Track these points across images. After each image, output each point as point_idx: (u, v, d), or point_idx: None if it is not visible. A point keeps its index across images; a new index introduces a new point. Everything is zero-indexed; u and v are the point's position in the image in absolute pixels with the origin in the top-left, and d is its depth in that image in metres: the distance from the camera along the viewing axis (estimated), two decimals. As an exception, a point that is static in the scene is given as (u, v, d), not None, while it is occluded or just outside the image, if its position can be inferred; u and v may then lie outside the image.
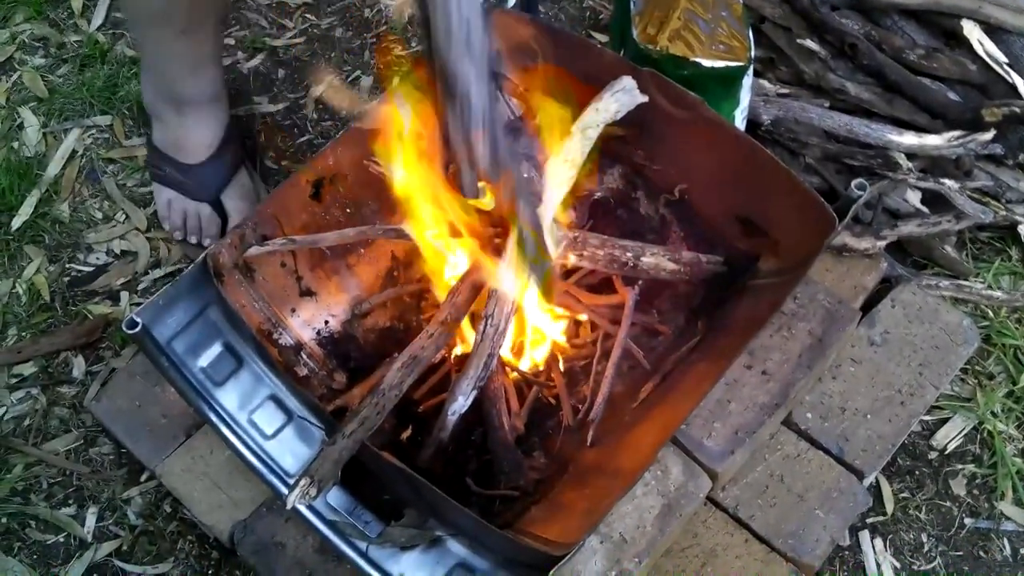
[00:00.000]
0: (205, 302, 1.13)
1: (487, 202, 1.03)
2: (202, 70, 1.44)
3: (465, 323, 1.16)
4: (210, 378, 1.14)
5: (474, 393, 1.07)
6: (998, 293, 1.42)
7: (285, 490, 1.10)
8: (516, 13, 1.27)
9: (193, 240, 1.52)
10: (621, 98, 1.08)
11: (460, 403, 1.07)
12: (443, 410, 1.08)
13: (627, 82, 1.11)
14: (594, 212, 1.31)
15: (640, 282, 1.21)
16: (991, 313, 1.43)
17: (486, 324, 1.06)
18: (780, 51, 1.53)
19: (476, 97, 0.87)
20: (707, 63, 1.28)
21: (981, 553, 1.29)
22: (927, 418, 1.36)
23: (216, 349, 1.14)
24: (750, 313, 1.16)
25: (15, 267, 1.54)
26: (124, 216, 1.59)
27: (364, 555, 1.09)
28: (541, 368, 1.23)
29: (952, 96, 1.44)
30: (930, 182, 1.39)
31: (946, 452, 1.35)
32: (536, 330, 1.22)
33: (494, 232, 1.10)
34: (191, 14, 1.34)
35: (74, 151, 1.66)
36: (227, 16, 1.72)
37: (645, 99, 1.14)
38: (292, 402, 1.15)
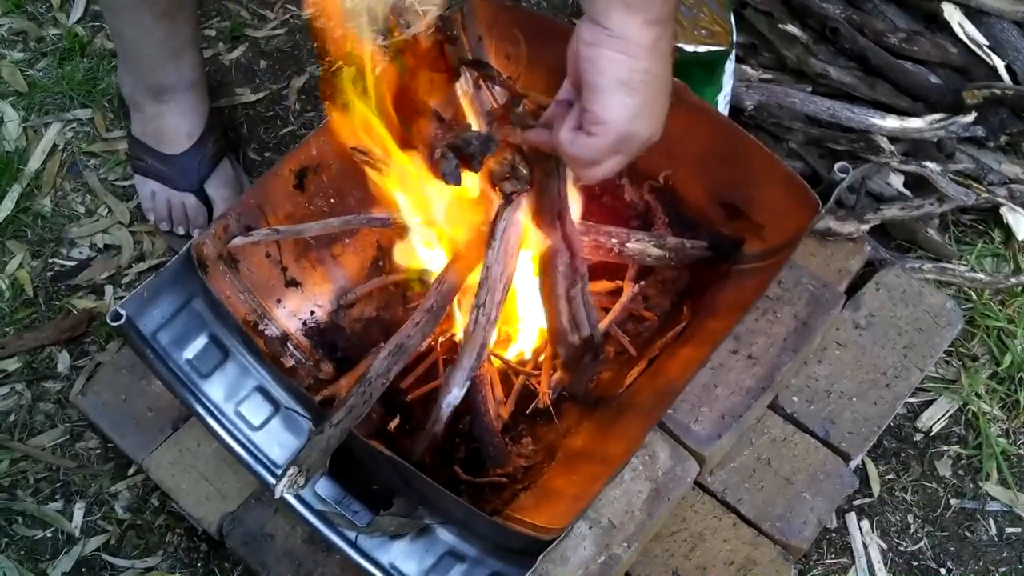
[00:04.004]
0: (190, 294, 1.13)
1: (469, 189, 1.03)
2: (182, 56, 1.43)
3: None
4: (196, 370, 1.13)
5: (467, 384, 1.07)
6: (981, 275, 1.43)
7: (273, 481, 1.10)
8: (499, 0, 1.27)
9: (180, 231, 1.51)
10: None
11: (455, 395, 1.06)
12: (437, 402, 1.07)
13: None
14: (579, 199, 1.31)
15: (643, 283, 1.22)
16: (974, 295, 1.44)
17: (478, 313, 1.06)
18: (762, 36, 1.53)
19: None
20: (689, 48, 1.28)
21: (967, 533, 1.30)
22: (912, 400, 1.37)
23: (202, 341, 1.14)
24: (735, 297, 1.16)
25: (-3, 262, 1.53)
26: (107, 210, 1.59)
27: (353, 544, 1.09)
28: (528, 357, 1.23)
29: (933, 79, 1.44)
30: (912, 165, 1.40)
31: (931, 434, 1.36)
32: (522, 318, 1.22)
33: (480, 219, 1.10)
34: None
35: (55, 145, 1.65)
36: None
37: None
38: (279, 393, 1.14)
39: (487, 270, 1.06)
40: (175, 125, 1.48)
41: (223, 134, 1.56)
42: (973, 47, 1.43)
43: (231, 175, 1.53)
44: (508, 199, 1.03)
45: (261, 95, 1.69)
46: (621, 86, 0.81)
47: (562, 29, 1.29)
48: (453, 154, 0.92)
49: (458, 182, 0.94)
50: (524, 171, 0.98)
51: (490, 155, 0.94)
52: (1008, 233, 1.47)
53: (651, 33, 0.81)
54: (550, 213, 1.01)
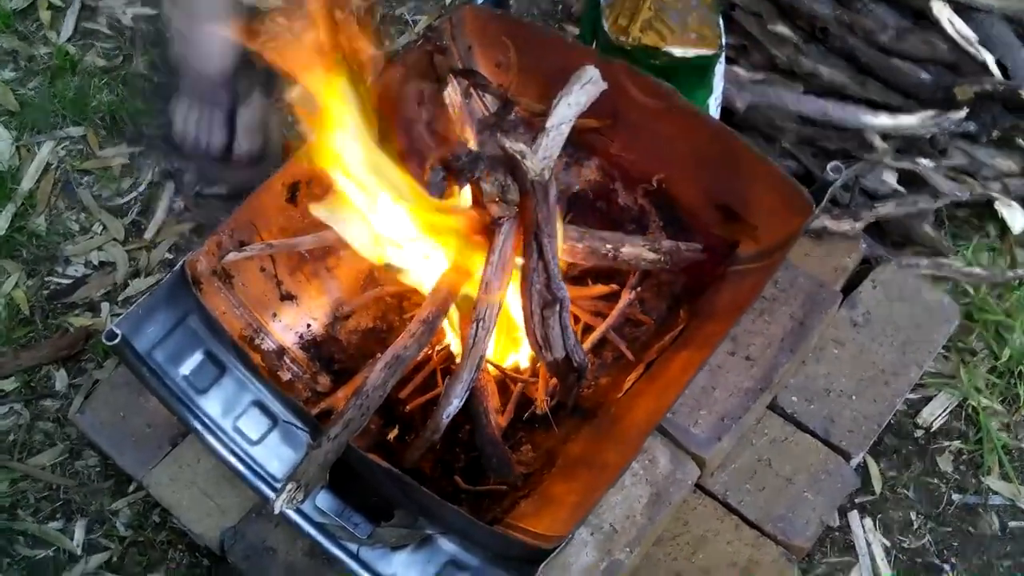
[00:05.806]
0: (185, 310, 1.13)
1: (454, 201, 1.02)
2: None
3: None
4: (193, 386, 1.13)
5: (466, 395, 1.07)
6: (977, 269, 1.43)
7: (273, 495, 1.10)
8: (487, 8, 1.27)
9: (202, 142, 1.45)
10: (590, 89, 1.08)
11: (455, 406, 1.07)
12: (437, 413, 1.07)
13: (592, 72, 1.11)
14: (573, 205, 1.31)
15: (638, 287, 1.22)
16: (971, 290, 1.44)
17: (477, 328, 1.06)
18: (752, 38, 1.53)
19: None
20: (679, 52, 1.28)
21: (970, 528, 1.30)
22: (912, 396, 1.37)
23: (198, 357, 1.13)
24: (731, 299, 1.16)
25: (-7, 282, 1.53)
26: (101, 227, 1.58)
27: (355, 557, 1.09)
28: (525, 364, 1.23)
29: (924, 76, 1.44)
30: (906, 162, 1.40)
31: (931, 430, 1.36)
32: (519, 327, 1.22)
33: (475, 230, 1.10)
34: None
35: (48, 164, 1.65)
36: None
37: (605, 85, 1.14)
38: (277, 407, 1.14)
39: (486, 284, 1.06)
40: (217, 47, 1.45)
41: (262, 71, 1.52)
42: (963, 43, 1.43)
43: (257, 118, 1.47)
44: (495, 222, 1.03)
45: (253, 108, 1.69)
46: None
47: (552, 37, 1.29)
48: (442, 167, 0.92)
49: (442, 194, 0.94)
50: (513, 196, 0.97)
51: (478, 173, 0.94)
52: (1003, 227, 1.47)
53: None
54: (529, 236, 1.01)
